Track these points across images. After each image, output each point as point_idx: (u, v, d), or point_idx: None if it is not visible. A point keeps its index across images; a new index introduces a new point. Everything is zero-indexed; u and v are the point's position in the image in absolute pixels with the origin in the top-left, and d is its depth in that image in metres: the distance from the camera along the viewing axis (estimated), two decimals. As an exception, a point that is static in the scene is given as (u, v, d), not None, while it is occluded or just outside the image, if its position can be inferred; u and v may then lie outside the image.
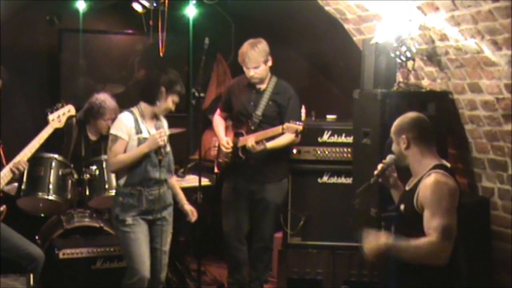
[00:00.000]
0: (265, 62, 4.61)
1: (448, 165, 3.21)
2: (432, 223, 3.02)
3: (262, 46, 4.60)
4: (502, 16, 3.30)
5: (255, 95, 4.70)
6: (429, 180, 3.08)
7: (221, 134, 4.83)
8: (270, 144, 4.55)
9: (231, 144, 4.71)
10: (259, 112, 4.65)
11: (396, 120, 3.30)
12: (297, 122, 4.40)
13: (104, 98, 5.05)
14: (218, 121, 4.90)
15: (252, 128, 4.64)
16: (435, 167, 3.14)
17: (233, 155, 4.72)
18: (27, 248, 4.20)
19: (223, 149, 4.74)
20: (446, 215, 3.03)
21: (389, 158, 3.39)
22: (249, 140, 4.54)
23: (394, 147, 3.31)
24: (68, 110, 4.29)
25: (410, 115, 3.29)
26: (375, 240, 3.10)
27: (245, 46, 4.61)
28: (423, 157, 3.19)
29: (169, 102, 4.00)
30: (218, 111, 4.94)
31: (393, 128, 3.29)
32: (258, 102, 4.67)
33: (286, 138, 4.59)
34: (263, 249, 4.83)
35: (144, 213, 4.01)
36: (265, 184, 4.69)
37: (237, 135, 4.75)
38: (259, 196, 4.71)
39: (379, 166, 3.40)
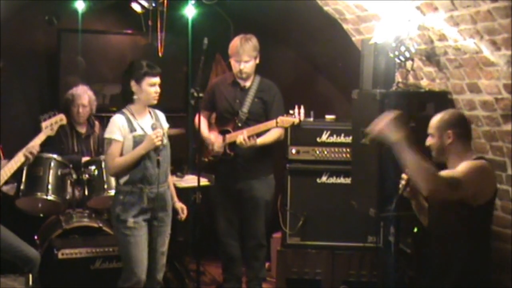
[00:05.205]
0: (256, 58, 4.69)
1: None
2: (451, 171, 3.14)
3: (255, 41, 4.68)
4: (501, 16, 3.29)
5: (240, 93, 4.74)
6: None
7: (206, 133, 4.81)
8: (260, 140, 4.60)
9: (220, 140, 4.72)
10: (245, 109, 4.69)
11: (437, 116, 3.36)
12: (293, 116, 4.45)
13: (71, 89, 5.17)
14: (202, 120, 4.77)
15: (239, 125, 4.68)
16: (477, 158, 3.26)
17: (221, 152, 4.73)
18: (23, 249, 4.21)
19: (214, 147, 4.74)
20: (466, 175, 3.09)
21: None
22: (239, 136, 4.56)
23: (432, 142, 3.34)
24: (60, 119, 4.41)
25: (453, 111, 3.40)
26: (388, 125, 3.10)
27: (239, 39, 4.66)
28: (466, 152, 3.29)
29: (146, 88, 3.99)
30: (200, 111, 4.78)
31: (435, 123, 3.34)
32: (244, 99, 4.71)
33: (275, 134, 4.66)
34: (257, 247, 4.86)
35: (144, 212, 4.01)
36: (252, 181, 4.72)
37: (222, 132, 4.75)
38: (248, 194, 4.73)
39: (405, 175, 3.36)
